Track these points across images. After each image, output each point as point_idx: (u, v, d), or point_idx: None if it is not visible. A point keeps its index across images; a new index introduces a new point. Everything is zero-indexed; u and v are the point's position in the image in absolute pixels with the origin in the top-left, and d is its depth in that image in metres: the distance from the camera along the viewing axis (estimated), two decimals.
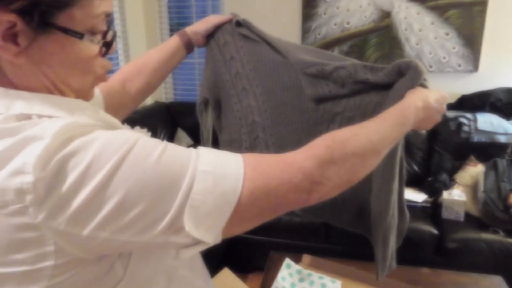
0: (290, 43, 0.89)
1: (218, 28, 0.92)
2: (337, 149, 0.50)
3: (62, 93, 0.48)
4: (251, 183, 0.45)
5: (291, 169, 0.47)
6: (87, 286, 0.45)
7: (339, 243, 2.08)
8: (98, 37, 0.48)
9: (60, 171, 0.38)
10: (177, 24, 2.84)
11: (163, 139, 0.47)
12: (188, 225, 0.42)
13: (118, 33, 2.56)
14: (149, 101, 2.70)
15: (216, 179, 0.44)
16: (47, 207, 0.38)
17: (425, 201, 2.14)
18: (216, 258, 2.03)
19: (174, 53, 0.88)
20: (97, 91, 0.74)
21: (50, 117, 0.43)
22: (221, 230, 0.45)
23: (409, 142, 2.36)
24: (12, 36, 0.41)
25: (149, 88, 0.87)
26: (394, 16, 2.43)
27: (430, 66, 2.44)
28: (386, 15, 2.44)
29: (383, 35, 2.47)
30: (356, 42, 2.52)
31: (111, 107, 0.76)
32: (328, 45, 2.56)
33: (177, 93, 2.96)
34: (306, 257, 1.38)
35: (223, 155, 0.47)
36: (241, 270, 2.09)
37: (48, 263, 0.41)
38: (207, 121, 0.98)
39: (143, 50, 2.78)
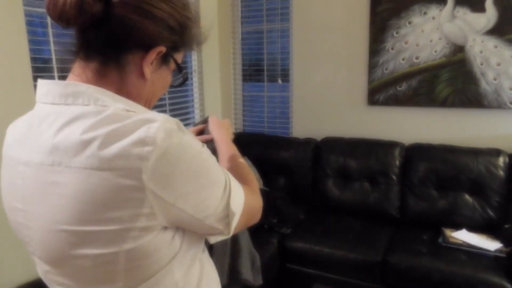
0: None
1: None
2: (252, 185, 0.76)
3: (149, 104, 0.65)
4: (246, 203, 0.66)
5: (259, 201, 0.74)
6: (154, 254, 0.54)
7: (397, 285, 1.98)
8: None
9: (167, 149, 0.50)
10: (248, 64, 3.09)
11: None
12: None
13: (194, 67, 2.89)
14: None
15: (235, 191, 0.63)
16: (155, 173, 0.49)
17: (499, 250, 1.94)
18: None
19: None
20: None
21: None
22: (235, 226, 0.63)
23: (484, 185, 2.17)
24: (154, 60, 0.59)
25: None
26: (468, 50, 2.31)
27: (511, 102, 2.25)
28: (459, 49, 2.34)
29: (455, 70, 2.36)
30: (425, 77, 2.45)
31: None
32: (396, 80, 2.53)
33: (246, 124, 3.17)
34: None
35: (234, 180, 0.67)
36: None
37: (139, 224, 0.50)
38: None
39: (217, 87, 3.07)
